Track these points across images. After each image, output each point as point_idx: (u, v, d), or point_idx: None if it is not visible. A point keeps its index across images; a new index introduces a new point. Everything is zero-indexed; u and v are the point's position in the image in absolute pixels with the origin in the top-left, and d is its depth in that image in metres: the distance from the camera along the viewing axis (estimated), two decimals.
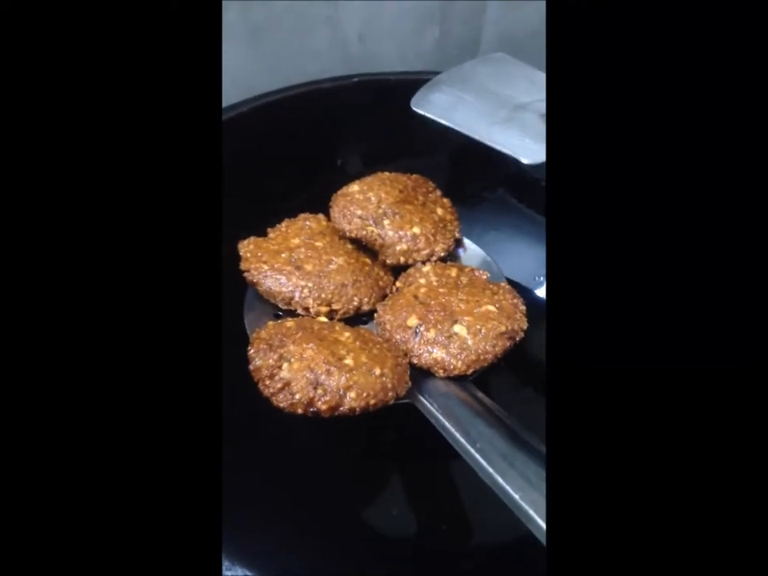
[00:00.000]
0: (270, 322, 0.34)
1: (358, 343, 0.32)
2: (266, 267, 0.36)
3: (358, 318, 0.37)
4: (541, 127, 0.38)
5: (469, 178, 0.49)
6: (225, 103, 0.40)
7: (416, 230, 0.38)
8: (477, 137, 0.37)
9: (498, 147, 0.36)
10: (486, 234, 0.45)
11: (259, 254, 0.37)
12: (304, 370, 0.30)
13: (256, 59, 0.47)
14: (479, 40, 0.55)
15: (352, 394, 0.29)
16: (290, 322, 0.33)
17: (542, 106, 0.39)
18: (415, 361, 0.33)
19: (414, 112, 0.38)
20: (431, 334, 0.33)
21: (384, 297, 0.38)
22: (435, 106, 0.39)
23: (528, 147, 0.36)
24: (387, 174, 0.42)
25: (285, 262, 0.36)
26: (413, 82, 0.41)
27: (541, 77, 0.42)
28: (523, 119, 0.38)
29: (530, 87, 0.41)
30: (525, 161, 0.35)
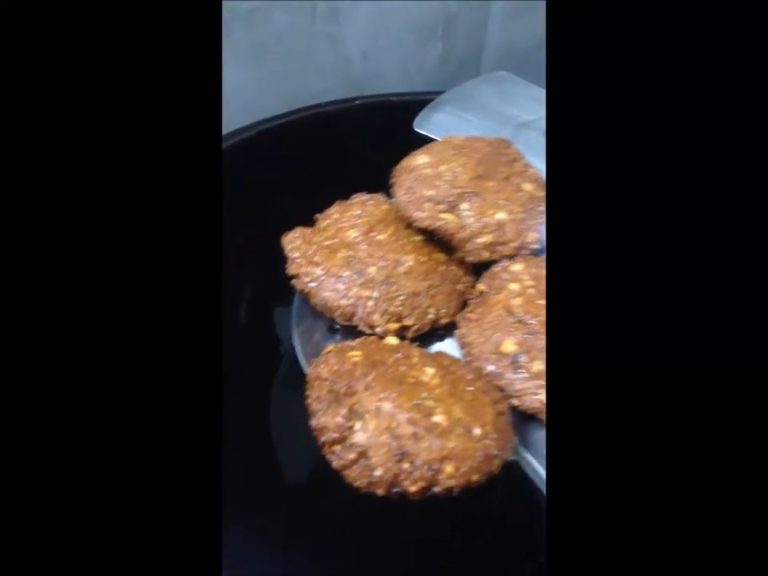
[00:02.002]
0: (330, 352, 0.26)
1: (446, 387, 0.25)
2: (319, 272, 0.28)
3: (432, 332, 0.30)
4: (544, 145, 0.33)
5: None
6: (232, 125, 0.41)
7: (501, 215, 0.30)
8: None
9: None
10: None
11: (309, 253, 0.29)
12: (383, 434, 0.23)
13: (259, 77, 0.46)
14: (481, 55, 0.55)
15: (449, 469, 0.22)
16: (355, 354, 0.26)
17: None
18: (516, 402, 0.26)
19: (417, 132, 0.39)
20: (537, 367, 0.26)
21: (464, 304, 0.30)
22: (438, 126, 0.39)
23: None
24: (460, 137, 0.33)
25: (342, 264, 0.29)
26: (415, 103, 0.41)
27: (544, 95, 0.35)
28: (527, 137, 0.38)
29: (533, 105, 0.41)
30: None
